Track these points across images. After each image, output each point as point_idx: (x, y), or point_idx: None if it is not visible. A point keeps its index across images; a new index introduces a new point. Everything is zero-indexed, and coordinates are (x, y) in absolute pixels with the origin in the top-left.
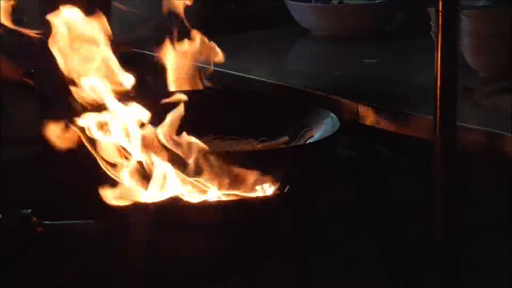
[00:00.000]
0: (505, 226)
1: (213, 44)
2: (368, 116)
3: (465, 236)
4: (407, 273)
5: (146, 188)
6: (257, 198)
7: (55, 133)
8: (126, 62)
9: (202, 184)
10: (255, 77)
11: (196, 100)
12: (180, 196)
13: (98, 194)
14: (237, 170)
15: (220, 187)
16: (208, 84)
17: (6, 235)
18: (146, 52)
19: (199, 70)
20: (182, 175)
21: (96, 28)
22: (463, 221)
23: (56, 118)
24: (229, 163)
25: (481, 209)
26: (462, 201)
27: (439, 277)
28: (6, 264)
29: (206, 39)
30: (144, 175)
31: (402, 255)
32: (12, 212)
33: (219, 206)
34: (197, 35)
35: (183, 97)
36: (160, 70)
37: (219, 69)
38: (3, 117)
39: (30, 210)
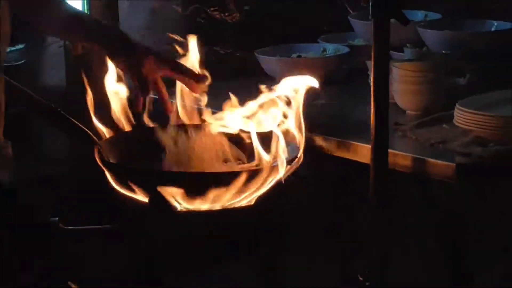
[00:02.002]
0: (425, 228)
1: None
2: (320, 144)
3: (393, 235)
4: (348, 261)
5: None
6: (236, 208)
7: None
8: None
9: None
10: None
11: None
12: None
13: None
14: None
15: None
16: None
17: (36, 238)
18: None
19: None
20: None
21: None
22: (392, 224)
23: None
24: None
25: (406, 215)
26: (392, 208)
27: (374, 263)
28: (36, 262)
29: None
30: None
31: (348, 249)
32: (42, 220)
33: (210, 214)
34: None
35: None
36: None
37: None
38: (35, 138)
39: (57, 218)
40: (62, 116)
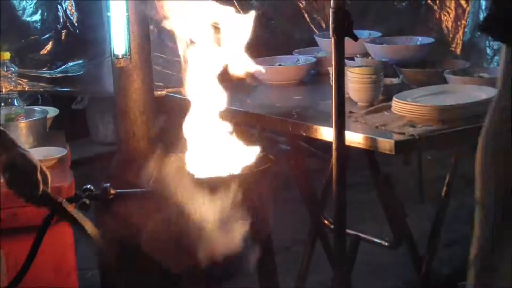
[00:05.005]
0: (371, 186)
1: None
2: (296, 128)
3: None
4: (316, 210)
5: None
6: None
7: None
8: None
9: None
10: (233, 107)
11: None
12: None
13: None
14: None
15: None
16: None
17: (94, 198)
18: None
19: None
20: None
21: None
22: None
23: None
24: None
25: (357, 176)
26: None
27: (335, 212)
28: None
29: None
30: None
31: (315, 201)
32: (98, 185)
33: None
34: None
35: None
36: None
37: None
38: (92, 127)
39: (109, 184)
40: None
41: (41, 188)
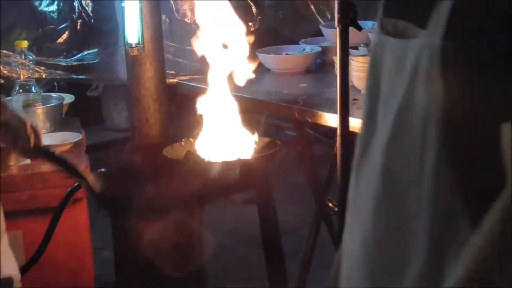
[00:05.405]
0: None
1: None
2: (302, 114)
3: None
4: (321, 193)
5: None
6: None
7: None
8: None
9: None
10: (242, 94)
11: None
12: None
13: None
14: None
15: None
16: None
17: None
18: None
19: None
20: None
21: None
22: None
23: None
24: None
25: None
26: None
27: (340, 195)
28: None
29: None
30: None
31: (320, 186)
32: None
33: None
34: None
35: None
36: None
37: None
38: (106, 114)
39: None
40: None
41: (32, 142)
